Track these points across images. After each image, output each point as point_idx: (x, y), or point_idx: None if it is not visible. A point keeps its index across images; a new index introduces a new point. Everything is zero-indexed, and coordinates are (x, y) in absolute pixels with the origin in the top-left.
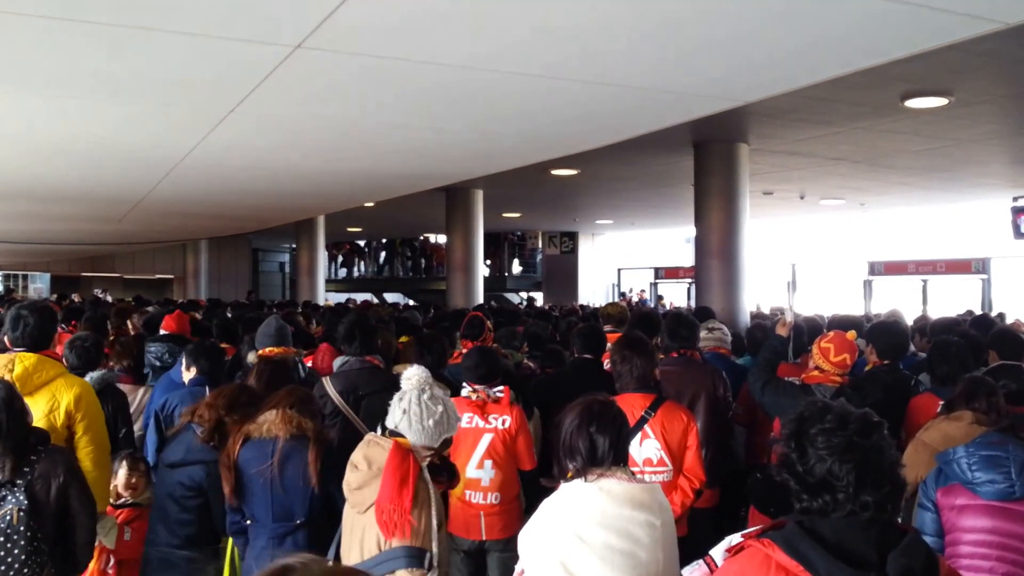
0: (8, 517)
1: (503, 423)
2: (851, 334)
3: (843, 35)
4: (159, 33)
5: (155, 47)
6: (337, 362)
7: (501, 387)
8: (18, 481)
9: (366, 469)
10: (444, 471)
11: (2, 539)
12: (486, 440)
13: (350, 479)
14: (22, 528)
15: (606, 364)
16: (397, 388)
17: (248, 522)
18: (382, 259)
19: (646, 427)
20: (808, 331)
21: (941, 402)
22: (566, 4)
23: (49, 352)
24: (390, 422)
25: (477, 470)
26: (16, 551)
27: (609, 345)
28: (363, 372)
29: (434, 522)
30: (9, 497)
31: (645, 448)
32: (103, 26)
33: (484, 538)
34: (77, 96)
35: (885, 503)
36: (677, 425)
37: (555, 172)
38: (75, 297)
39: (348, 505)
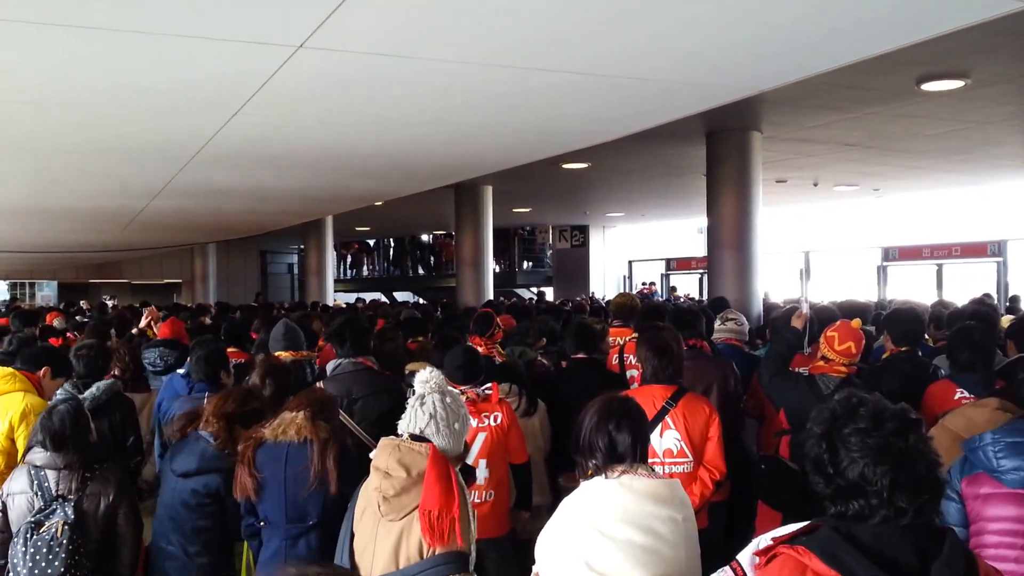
0: (53, 530)
1: (495, 419)
2: (856, 322)
3: (863, 19)
4: (163, 37)
5: (159, 51)
6: (330, 365)
7: (489, 384)
8: (70, 496)
9: (403, 476)
10: (467, 473)
11: (44, 550)
12: (480, 439)
13: (383, 486)
14: (64, 541)
15: (615, 360)
16: (393, 390)
17: (262, 524)
18: (391, 257)
19: (667, 418)
20: (820, 321)
21: (958, 389)
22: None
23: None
24: (412, 426)
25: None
26: (56, 563)
27: (619, 339)
28: (356, 375)
29: (472, 525)
30: (59, 510)
31: (665, 439)
32: (105, 31)
33: (477, 537)
34: (79, 102)
35: (924, 508)
36: (699, 416)
37: (566, 166)
38: (83, 304)
39: (371, 512)
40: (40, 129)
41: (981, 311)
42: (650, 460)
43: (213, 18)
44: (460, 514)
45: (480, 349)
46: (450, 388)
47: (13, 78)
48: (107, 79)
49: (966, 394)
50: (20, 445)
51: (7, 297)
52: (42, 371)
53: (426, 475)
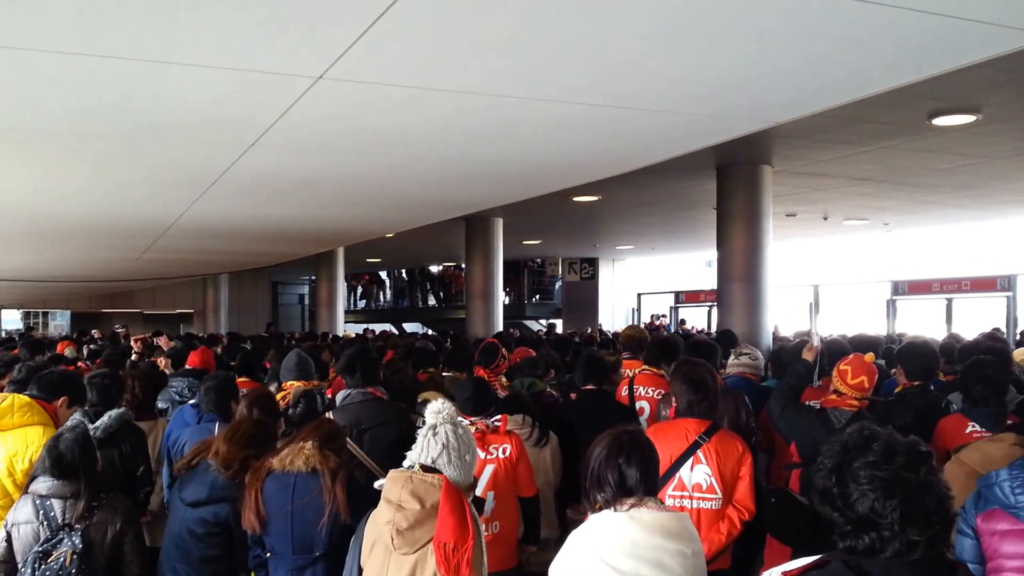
0: (62, 559)
1: (504, 451)
2: (869, 356)
3: (876, 53)
4: (179, 67)
5: (176, 81)
6: (340, 395)
7: (498, 416)
8: (77, 525)
9: (417, 507)
10: (477, 505)
11: None
12: (488, 471)
13: (396, 519)
14: (73, 571)
15: (624, 392)
16: (402, 420)
17: (268, 555)
18: (402, 289)
19: (699, 452)
20: (831, 354)
21: (970, 423)
22: (593, 30)
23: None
24: (424, 456)
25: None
26: None
27: (629, 372)
28: (366, 405)
29: (484, 557)
30: (66, 540)
31: (696, 473)
32: (123, 60)
33: None
34: (97, 131)
35: (935, 541)
36: (732, 454)
37: (576, 199)
38: (95, 333)
39: (381, 545)
40: (54, 157)
41: (995, 345)
42: (679, 493)
43: (235, 48)
44: (474, 546)
45: None
46: (460, 419)
47: (31, 106)
48: (125, 108)
49: (978, 428)
50: None
51: (21, 327)
52: (60, 401)
53: (440, 507)
